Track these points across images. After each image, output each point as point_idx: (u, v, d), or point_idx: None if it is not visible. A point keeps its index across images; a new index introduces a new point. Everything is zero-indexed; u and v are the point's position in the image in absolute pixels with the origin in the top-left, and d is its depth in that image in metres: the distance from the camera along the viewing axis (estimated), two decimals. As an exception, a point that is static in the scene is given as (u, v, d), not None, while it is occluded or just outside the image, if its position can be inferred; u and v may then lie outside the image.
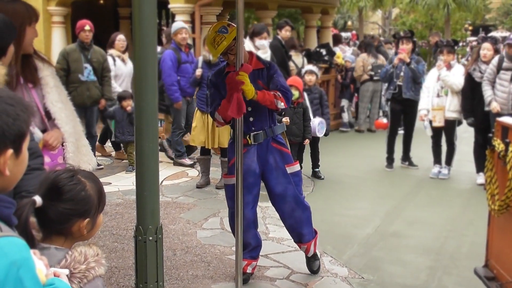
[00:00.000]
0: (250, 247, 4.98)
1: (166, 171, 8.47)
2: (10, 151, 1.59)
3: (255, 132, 4.78)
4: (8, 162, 1.60)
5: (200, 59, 7.71)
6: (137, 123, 3.07)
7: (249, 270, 4.97)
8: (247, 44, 7.70)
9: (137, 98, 3.08)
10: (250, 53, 4.93)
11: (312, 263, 5.20)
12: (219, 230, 6.15)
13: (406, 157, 9.15)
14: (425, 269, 5.32)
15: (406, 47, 8.70)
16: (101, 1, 14.25)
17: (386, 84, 9.11)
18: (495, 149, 4.36)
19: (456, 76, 8.08)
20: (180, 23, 8.72)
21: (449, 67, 8.17)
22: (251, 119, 4.73)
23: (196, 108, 7.59)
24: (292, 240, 5.20)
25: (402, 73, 8.68)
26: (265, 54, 7.90)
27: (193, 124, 7.52)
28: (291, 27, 9.76)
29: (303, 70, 9.13)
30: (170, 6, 10.84)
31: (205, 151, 7.76)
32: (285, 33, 9.66)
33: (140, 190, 3.09)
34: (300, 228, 5.05)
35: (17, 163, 1.65)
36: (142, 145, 3.06)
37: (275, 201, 5.03)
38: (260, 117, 4.77)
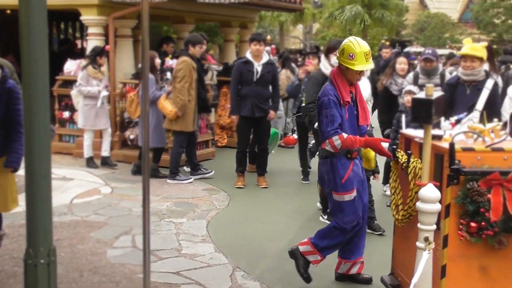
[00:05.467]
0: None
1: (77, 189, 8.24)
2: None
3: None
4: None
5: None
6: (27, 141, 2.94)
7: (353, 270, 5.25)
8: (323, 63, 7.14)
9: (27, 115, 2.94)
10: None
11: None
12: (130, 249, 6.01)
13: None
14: (337, 281, 5.34)
15: (311, 61, 8.80)
16: (8, 12, 13.69)
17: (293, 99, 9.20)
18: (399, 160, 4.44)
19: (363, 89, 8.15)
20: None
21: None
22: None
23: None
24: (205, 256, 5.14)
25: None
26: None
27: None
28: (206, 40, 9.72)
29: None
30: (82, 18, 10.57)
31: None
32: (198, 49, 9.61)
33: (31, 210, 2.94)
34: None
35: None
36: (32, 164, 2.93)
37: (364, 211, 5.20)
38: None
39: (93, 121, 9.53)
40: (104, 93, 9.45)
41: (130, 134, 10.02)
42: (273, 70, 8.69)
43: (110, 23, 10.25)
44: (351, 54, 4.82)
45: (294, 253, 5.30)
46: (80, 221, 6.83)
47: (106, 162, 9.66)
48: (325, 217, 7.11)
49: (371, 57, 4.91)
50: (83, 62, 9.70)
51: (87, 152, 9.67)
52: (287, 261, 5.77)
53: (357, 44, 4.85)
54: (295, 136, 9.44)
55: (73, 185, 8.46)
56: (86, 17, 10.50)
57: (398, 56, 8.52)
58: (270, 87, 8.69)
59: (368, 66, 4.86)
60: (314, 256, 5.20)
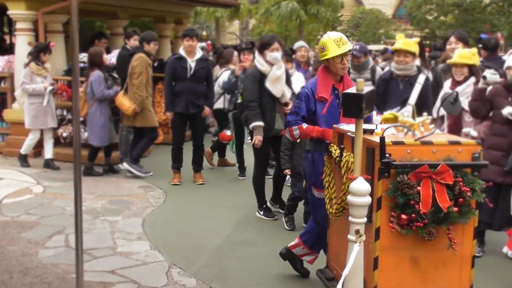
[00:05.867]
0: None
1: (8, 189, 8.02)
2: None
3: None
4: None
5: None
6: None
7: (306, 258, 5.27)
8: (258, 60, 7.00)
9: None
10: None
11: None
12: (63, 248, 5.88)
13: None
14: (273, 276, 5.37)
15: (247, 57, 8.80)
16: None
17: (229, 96, 9.16)
18: (332, 154, 4.48)
19: (297, 82, 8.17)
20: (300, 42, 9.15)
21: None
22: None
23: None
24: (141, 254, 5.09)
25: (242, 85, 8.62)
26: (281, 70, 7.00)
27: None
28: (139, 36, 9.60)
29: None
30: (9, 12, 10.23)
31: None
32: (133, 42, 9.51)
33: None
34: None
35: None
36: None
37: None
38: None
39: (41, 120, 9.18)
40: (50, 88, 9.14)
41: (63, 131, 9.81)
42: (207, 66, 8.64)
43: (40, 18, 10.00)
44: (322, 47, 4.89)
45: (286, 255, 5.37)
46: (11, 222, 6.65)
47: (48, 165, 9.25)
48: (261, 212, 7.14)
49: (346, 42, 4.84)
50: (25, 59, 9.35)
51: (25, 149, 9.35)
52: (223, 257, 5.79)
53: (326, 36, 4.92)
54: (229, 133, 9.40)
55: (3, 185, 8.22)
56: (14, 11, 10.16)
57: None
58: (205, 83, 8.66)
59: (340, 50, 4.79)
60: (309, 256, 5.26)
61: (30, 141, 9.34)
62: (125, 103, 8.75)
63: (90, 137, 8.88)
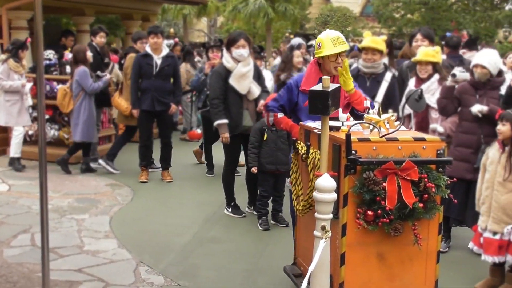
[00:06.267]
0: None
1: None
2: None
3: None
4: None
5: None
6: None
7: None
8: (225, 57, 6.95)
9: None
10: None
11: None
12: (29, 247, 5.82)
13: None
14: (241, 272, 5.39)
15: (217, 54, 8.77)
16: None
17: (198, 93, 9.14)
18: (299, 151, 4.51)
19: (267, 82, 8.19)
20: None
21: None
22: None
23: None
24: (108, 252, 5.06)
25: None
26: (248, 67, 6.93)
27: None
28: (105, 33, 9.53)
29: None
30: (-29, 8, 10.13)
31: None
32: (99, 39, 9.43)
33: None
34: None
35: None
36: None
37: None
38: None
39: (16, 118, 9.00)
40: (29, 85, 8.97)
41: (29, 129, 9.68)
42: (173, 63, 8.61)
43: (4, 14, 9.86)
44: (318, 43, 4.86)
45: None
46: (-25, 221, 6.57)
47: (13, 163, 9.04)
48: (230, 210, 7.14)
49: (343, 42, 4.82)
50: (2, 56, 9.17)
51: (15, 151, 9.03)
52: (191, 255, 5.79)
53: (324, 33, 4.91)
54: (199, 130, 9.38)
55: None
56: (-24, 7, 10.04)
57: (294, 49, 8.44)
58: (172, 81, 8.62)
59: (335, 50, 4.77)
60: None
61: (16, 138, 9.00)
62: (122, 103, 8.87)
63: (72, 133, 8.81)
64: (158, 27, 8.97)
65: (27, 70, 9.51)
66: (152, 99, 8.41)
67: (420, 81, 6.40)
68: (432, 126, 6.29)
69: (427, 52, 6.42)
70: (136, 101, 8.50)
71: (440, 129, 6.18)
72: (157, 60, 8.40)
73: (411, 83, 6.51)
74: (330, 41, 4.80)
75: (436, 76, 6.33)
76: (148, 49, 8.47)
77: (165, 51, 8.52)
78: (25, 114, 9.09)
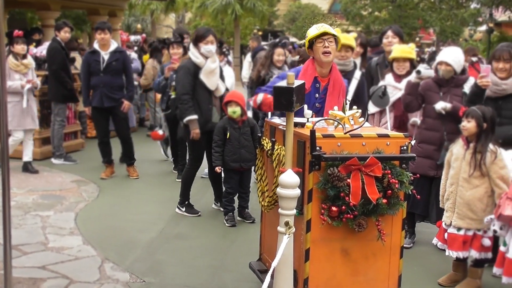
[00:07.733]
0: None
1: None
2: None
3: None
4: None
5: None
6: None
7: None
8: (192, 52, 6.83)
9: None
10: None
11: None
12: (-9, 245, 5.73)
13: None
14: (207, 269, 5.38)
15: (177, 51, 8.57)
16: None
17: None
18: (264, 147, 4.52)
19: (227, 78, 8.09)
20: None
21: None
22: None
23: None
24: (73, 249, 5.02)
25: (173, 83, 7.79)
26: (215, 63, 6.91)
27: None
28: (70, 28, 9.42)
29: None
30: None
31: None
32: (64, 34, 9.29)
33: None
34: None
35: None
36: None
37: None
38: None
39: (18, 120, 8.52)
40: (28, 86, 8.50)
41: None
42: (122, 58, 8.49)
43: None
44: (306, 35, 4.94)
45: None
46: None
47: (27, 168, 8.71)
48: (183, 209, 7.03)
49: (328, 28, 4.86)
50: None
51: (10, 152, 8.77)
52: (157, 251, 5.77)
53: (312, 27, 4.97)
54: (161, 132, 9.27)
55: None
56: None
57: (275, 47, 8.36)
58: (123, 76, 8.54)
59: (319, 31, 4.83)
60: None
61: (12, 141, 8.53)
62: None
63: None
64: (105, 23, 8.80)
65: (33, 67, 9.05)
66: (101, 95, 8.31)
67: (399, 77, 6.47)
68: (412, 120, 6.34)
69: (403, 49, 6.49)
70: (87, 99, 8.44)
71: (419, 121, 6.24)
72: (104, 55, 8.32)
73: (389, 80, 6.52)
74: (314, 28, 4.89)
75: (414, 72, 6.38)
76: (96, 46, 8.40)
77: (113, 46, 8.43)
78: (28, 117, 8.66)
